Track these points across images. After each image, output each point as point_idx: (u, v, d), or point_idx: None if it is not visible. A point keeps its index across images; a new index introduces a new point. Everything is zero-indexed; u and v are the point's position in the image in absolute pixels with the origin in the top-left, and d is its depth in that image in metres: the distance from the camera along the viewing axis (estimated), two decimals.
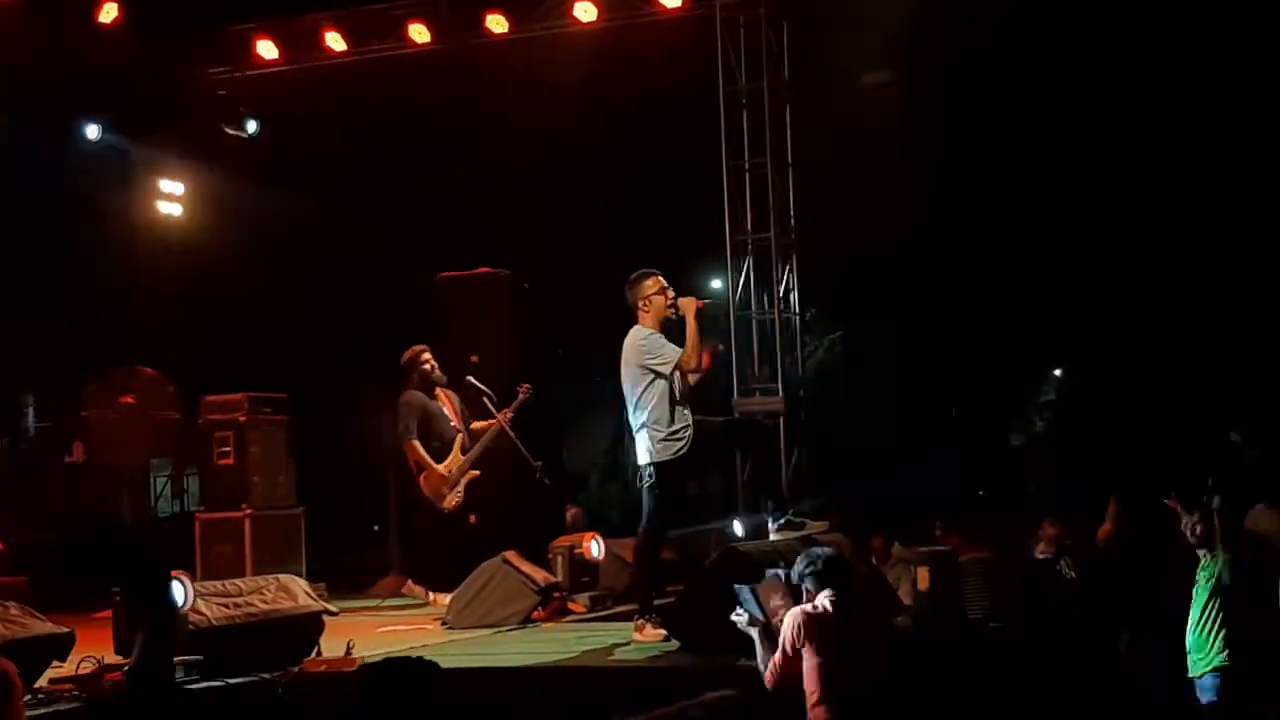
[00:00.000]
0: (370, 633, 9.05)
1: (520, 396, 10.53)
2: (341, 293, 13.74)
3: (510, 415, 10.57)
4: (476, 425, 10.91)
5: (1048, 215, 15.82)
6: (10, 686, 5.31)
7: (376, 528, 13.09)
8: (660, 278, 8.59)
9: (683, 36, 12.55)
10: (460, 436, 10.77)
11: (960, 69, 14.12)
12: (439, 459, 10.64)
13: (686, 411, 8.46)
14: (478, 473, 10.71)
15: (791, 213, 12.63)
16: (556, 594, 9.81)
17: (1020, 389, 20.68)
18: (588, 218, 14.35)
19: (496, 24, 12.77)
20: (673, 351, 8.40)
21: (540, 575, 9.78)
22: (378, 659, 4.03)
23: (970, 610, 7.81)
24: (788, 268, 12.66)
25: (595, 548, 10.50)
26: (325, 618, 8.18)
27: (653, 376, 8.38)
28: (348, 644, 7.79)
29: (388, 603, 11.09)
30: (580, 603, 10.11)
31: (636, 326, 8.55)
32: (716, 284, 16.58)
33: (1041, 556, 9.44)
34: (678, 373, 8.39)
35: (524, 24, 12.77)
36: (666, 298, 8.50)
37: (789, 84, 12.45)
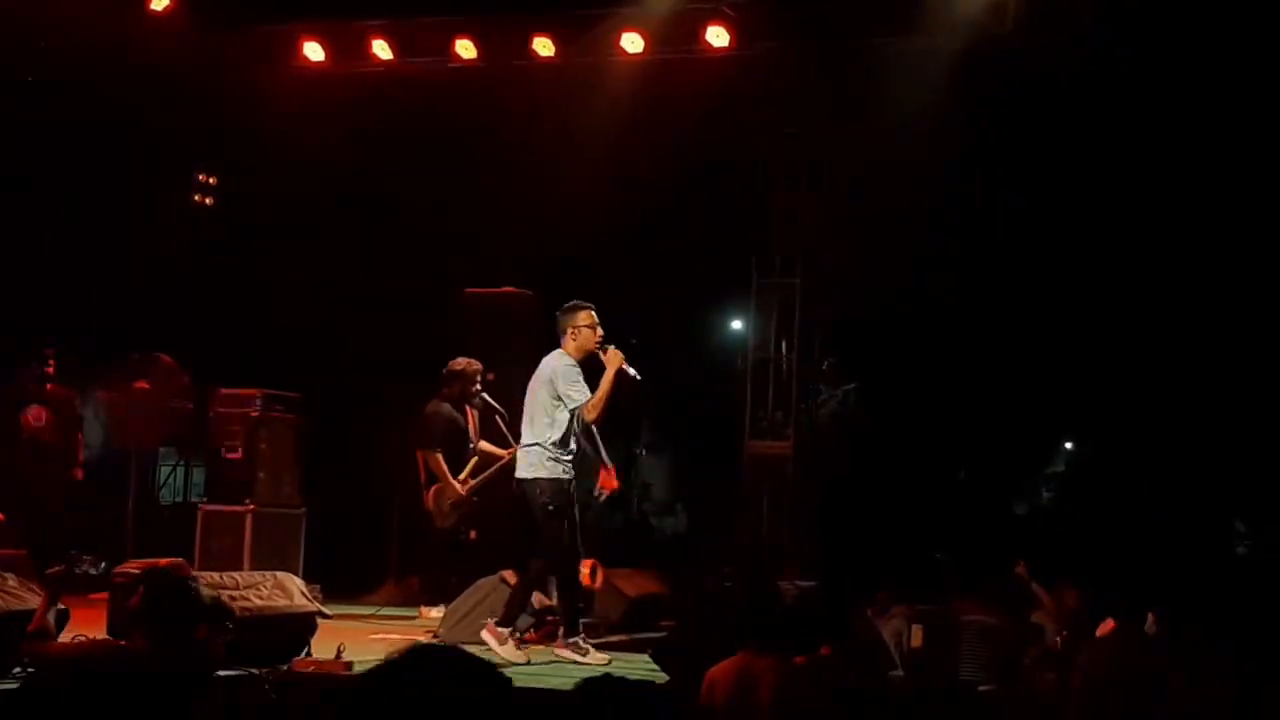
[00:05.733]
0: (362, 638, 9.06)
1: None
2: (365, 299, 13.78)
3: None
4: (485, 446, 10.97)
5: (1072, 288, 15.82)
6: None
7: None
8: (594, 312, 8.80)
9: (729, 75, 12.62)
10: (475, 459, 10.87)
11: (998, 136, 14.14)
12: (451, 475, 10.74)
13: (574, 449, 8.80)
14: (476, 500, 10.82)
15: (820, 261, 12.69)
16: (550, 617, 9.81)
17: (1031, 458, 20.65)
18: (617, 248, 14.39)
19: (543, 47, 12.82)
20: (582, 394, 8.62)
21: (536, 597, 9.79)
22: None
23: (964, 671, 7.80)
24: (811, 314, 12.71)
25: (592, 575, 10.50)
26: (319, 619, 8.20)
27: (561, 404, 8.63)
28: (339, 647, 7.80)
29: (382, 610, 11.10)
30: None
31: (560, 351, 8.78)
32: (737, 324, 16.62)
33: (1037, 622, 9.35)
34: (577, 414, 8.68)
35: (571, 49, 12.83)
36: (596, 334, 8.74)
37: (829, 131, 12.53)
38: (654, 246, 14.70)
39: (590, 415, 8.64)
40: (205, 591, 5.77)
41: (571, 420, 8.68)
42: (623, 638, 9.86)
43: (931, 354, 15.73)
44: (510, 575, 9.77)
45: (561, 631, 8.85)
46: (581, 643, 8.68)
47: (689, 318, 16.95)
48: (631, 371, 8.70)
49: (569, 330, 8.76)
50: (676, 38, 12.52)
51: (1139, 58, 12.42)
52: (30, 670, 6.53)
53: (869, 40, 12.05)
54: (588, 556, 10.78)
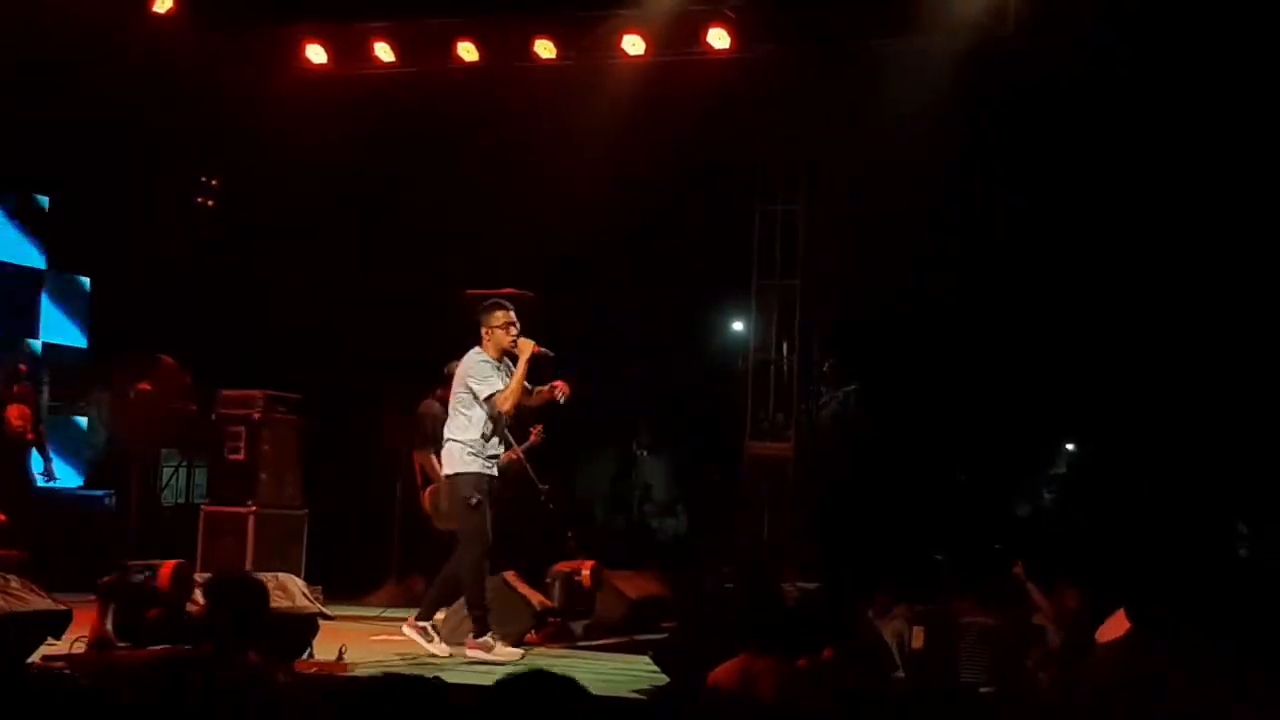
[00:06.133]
0: (364, 640, 9.07)
1: (531, 439, 10.51)
2: (364, 299, 13.78)
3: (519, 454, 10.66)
4: None
5: (1072, 288, 15.83)
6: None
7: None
8: (510, 311, 8.95)
9: (729, 77, 12.63)
10: None
11: (998, 136, 14.14)
12: None
13: (499, 444, 8.90)
14: None
15: (820, 262, 12.70)
16: (552, 618, 9.82)
17: (1032, 460, 20.63)
18: (617, 248, 14.40)
19: (545, 49, 12.83)
20: (491, 387, 8.75)
21: (536, 598, 9.80)
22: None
23: (965, 672, 7.80)
24: (811, 316, 12.72)
25: (593, 576, 10.50)
26: (320, 621, 8.21)
27: (475, 401, 8.75)
28: (340, 649, 7.81)
29: (385, 611, 11.10)
30: (574, 629, 10.12)
31: (476, 349, 8.92)
32: (738, 325, 16.62)
33: (1038, 623, 9.35)
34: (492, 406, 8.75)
35: (572, 52, 12.84)
36: (509, 332, 8.86)
37: (829, 133, 12.53)
38: (654, 246, 14.70)
39: (504, 406, 8.79)
40: None
41: (491, 416, 8.80)
42: (623, 639, 9.87)
43: (931, 354, 15.72)
44: (512, 576, 9.78)
45: (430, 622, 8.87)
46: (490, 639, 8.67)
47: (689, 318, 16.93)
48: (543, 350, 8.85)
49: (484, 330, 8.93)
50: (677, 39, 12.54)
51: (1139, 58, 12.43)
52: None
53: (869, 42, 12.06)
54: (589, 558, 10.82)
